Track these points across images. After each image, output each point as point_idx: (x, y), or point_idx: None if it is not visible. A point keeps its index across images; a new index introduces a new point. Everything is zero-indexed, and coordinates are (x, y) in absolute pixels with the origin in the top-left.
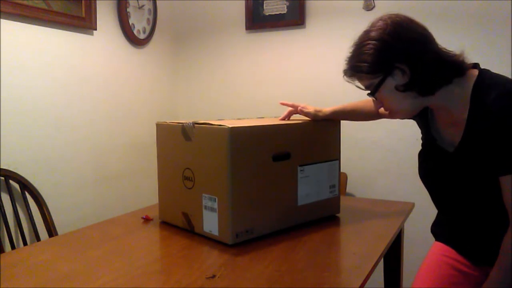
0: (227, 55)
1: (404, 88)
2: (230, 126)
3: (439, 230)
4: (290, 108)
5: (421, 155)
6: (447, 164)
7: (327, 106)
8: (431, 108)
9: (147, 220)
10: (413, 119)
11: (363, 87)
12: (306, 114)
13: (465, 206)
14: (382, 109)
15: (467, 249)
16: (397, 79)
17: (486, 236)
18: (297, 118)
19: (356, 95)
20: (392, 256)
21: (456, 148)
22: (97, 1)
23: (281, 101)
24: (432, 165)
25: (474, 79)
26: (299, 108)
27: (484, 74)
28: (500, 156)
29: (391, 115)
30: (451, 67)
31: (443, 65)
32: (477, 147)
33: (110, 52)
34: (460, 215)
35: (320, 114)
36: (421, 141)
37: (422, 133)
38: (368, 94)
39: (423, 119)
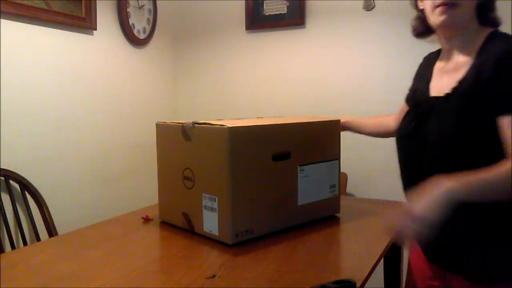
0: (227, 55)
1: None
2: (230, 126)
3: None
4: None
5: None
6: (435, 112)
7: (326, 105)
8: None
9: (147, 220)
10: (417, 73)
11: None
12: None
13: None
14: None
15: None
16: None
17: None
18: (298, 118)
19: (355, 94)
20: (392, 256)
21: (453, 88)
22: (97, 1)
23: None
24: (415, 116)
25: (489, 31)
26: None
27: (499, 31)
28: (503, 95)
29: (447, 10)
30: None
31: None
32: (477, 87)
33: (110, 52)
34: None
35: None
36: None
37: (414, 87)
38: None
39: (427, 68)
